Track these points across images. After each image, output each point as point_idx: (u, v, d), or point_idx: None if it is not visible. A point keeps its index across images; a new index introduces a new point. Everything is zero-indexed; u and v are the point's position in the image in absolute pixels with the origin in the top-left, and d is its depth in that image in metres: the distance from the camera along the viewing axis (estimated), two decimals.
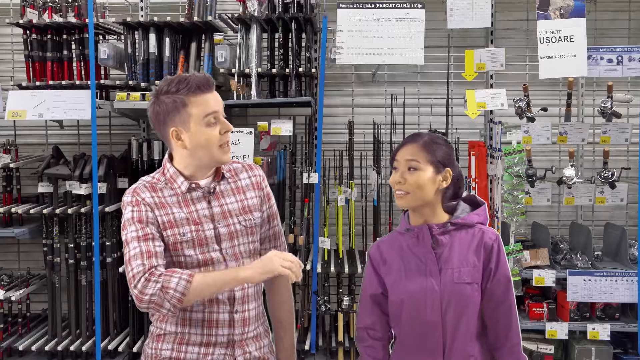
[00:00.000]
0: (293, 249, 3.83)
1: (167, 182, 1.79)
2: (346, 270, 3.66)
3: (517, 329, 1.80)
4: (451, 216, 1.84)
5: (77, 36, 3.85)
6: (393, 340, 1.93)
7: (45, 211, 3.73)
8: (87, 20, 3.63)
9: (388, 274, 1.87)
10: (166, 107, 1.73)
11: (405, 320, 1.84)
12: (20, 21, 3.80)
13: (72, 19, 3.78)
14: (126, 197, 1.77)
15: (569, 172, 3.48)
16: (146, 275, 1.63)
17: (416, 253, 1.82)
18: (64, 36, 3.89)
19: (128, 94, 3.62)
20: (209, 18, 3.67)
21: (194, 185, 1.79)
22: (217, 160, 1.78)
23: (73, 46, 3.87)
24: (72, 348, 3.75)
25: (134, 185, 1.80)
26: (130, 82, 3.74)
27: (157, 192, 1.77)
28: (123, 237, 1.73)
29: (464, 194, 1.93)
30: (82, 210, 3.69)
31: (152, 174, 1.85)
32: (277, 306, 1.99)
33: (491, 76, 3.87)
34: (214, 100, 1.75)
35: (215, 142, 1.74)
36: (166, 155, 1.85)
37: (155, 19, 3.70)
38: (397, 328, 1.87)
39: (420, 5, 3.56)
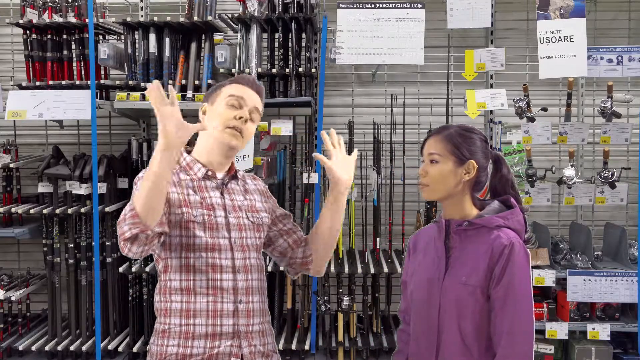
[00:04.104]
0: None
1: (183, 169, 1.84)
2: (346, 270, 3.66)
3: (521, 339, 1.66)
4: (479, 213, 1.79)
5: (77, 36, 3.84)
6: None
7: (45, 211, 3.73)
8: (87, 20, 3.64)
9: (413, 262, 1.89)
10: (211, 91, 1.90)
11: (413, 311, 1.85)
12: (20, 21, 3.79)
13: (72, 19, 3.78)
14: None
15: (569, 172, 3.48)
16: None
17: (436, 247, 1.81)
18: (64, 36, 3.89)
19: (128, 94, 3.62)
20: (209, 18, 3.67)
21: (210, 173, 1.84)
22: (222, 141, 1.81)
23: (73, 46, 3.86)
24: (72, 348, 3.75)
25: None
26: (130, 82, 3.73)
27: (174, 175, 1.81)
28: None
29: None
30: (82, 210, 3.69)
31: None
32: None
33: (491, 76, 3.87)
34: (248, 93, 1.85)
35: (226, 119, 1.80)
36: (182, 148, 1.88)
37: (155, 19, 3.70)
38: (411, 318, 1.88)
39: (420, 5, 3.56)
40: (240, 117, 1.81)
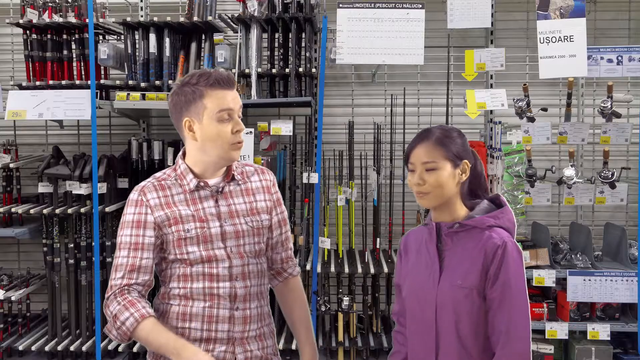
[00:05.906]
0: (293, 249, 3.83)
1: (177, 178, 1.81)
2: (346, 270, 3.66)
3: (518, 338, 1.67)
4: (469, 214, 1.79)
5: (77, 36, 3.84)
6: None
7: (45, 211, 3.73)
8: (87, 20, 3.64)
9: (405, 265, 1.88)
10: (185, 97, 1.77)
11: (408, 315, 1.85)
12: (20, 21, 3.80)
13: (72, 19, 3.78)
14: (132, 195, 1.80)
15: (569, 172, 3.48)
16: (116, 292, 1.72)
17: (428, 250, 1.80)
18: (64, 36, 3.89)
19: (128, 94, 3.62)
20: (209, 18, 3.67)
21: (202, 184, 1.80)
22: (225, 157, 1.79)
23: (73, 46, 3.86)
24: (72, 348, 3.75)
25: (143, 182, 1.83)
26: (130, 82, 3.74)
27: (165, 191, 1.79)
28: (117, 237, 1.78)
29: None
30: (82, 210, 3.69)
31: (164, 170, 1.88)
32: (290, 310, 2.06)
33: (491, 76, 3.87)
34: (231, 98, 1.77)
35: (226, 139, 1.76)
36: (180, 152, 1.87)
37: (155, 19, 3.70)
38: (407, 321, 1.88)
39: (420, 5, 3.56)
40: (238, 130, 1.77)
